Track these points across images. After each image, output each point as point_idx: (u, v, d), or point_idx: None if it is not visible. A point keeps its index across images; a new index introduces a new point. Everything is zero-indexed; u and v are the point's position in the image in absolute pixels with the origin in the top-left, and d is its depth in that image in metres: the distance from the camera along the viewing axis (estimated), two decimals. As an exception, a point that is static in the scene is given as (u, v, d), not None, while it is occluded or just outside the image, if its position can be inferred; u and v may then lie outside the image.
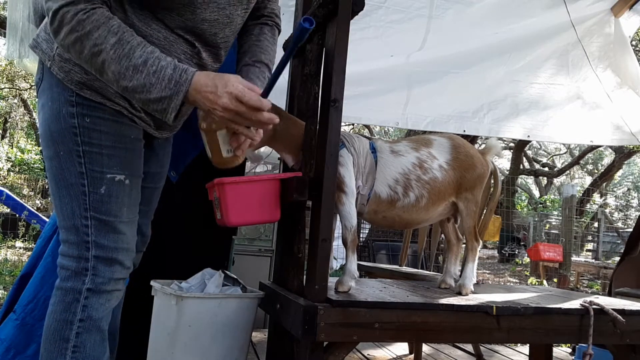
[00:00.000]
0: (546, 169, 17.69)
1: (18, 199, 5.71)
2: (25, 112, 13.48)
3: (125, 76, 1.17)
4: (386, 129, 16.40)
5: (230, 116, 1.19)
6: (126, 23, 1.26)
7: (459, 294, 1.77)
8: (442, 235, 2.20)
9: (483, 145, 2.01)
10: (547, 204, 17.47)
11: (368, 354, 2.94)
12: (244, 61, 1.53)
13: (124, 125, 1.37)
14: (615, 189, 19.20)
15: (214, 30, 1.40)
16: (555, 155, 19.66)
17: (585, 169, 20.02)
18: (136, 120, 1.39)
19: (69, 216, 1.34)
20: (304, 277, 1.56)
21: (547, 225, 12.24)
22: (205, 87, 1.17)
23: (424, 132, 4.40)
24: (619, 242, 11.09)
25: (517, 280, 8.78)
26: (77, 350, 1.32)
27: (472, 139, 5.22)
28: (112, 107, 1.34)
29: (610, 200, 17.80)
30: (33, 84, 11.41)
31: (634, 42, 6.26)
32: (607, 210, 14.09)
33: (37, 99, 1.46)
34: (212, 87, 1.17)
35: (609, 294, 3.18)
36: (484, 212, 2.31)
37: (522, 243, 12.34)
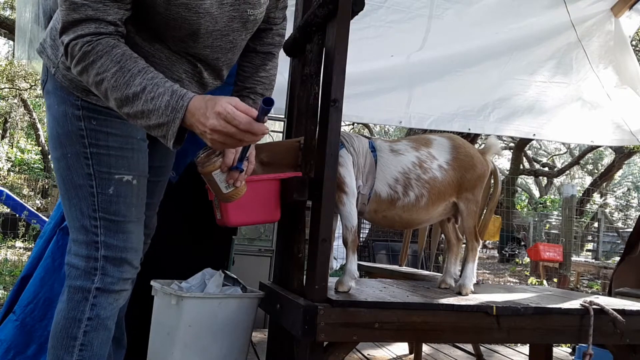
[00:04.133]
0: (546, 169, 17.67)
1: (18, 199, 5.71)
2: (25, 112, 13.47)
3: (126, 103, 1.17)
4: (386, 129, 16.40)
5: (220, 138, 1.13)
6: (129, 42, 1.27)
7: (459, 294, 1.76)
8: (442, 235, 2.20)
9: (483, 145, 2.01)
10: (547, 204, 17.46)
11: (368, 354, 2.94)
12: (240, 92, 1.54)
13: (130, 126, 1.37)
14: (615, 189, 19.19)
15: (216, 55, 1.41)
16: (555, 155, 19.65)
17: (585, 169, 20.01)
18: None
19: (77, 217, 1.35)
20: (304, 277, 1.56)
21: (547, 225, 12.24)
22: (198, 109, 1.14)
23: (425, 131, 4.40)
24: (619, 242, 11.08)
25: (517, 280, 8.78)
26: (84, 349, 1.33)
27: (472, 139, 5.22)
28: None
29: (610, 200, 17.79)
30: (33, 84, 11.42)
31: (634, 42, 6.26)
32: (607, 210, 14.09)
33: (41, 98, 1.47)
34: (203, 109, 1.14)
35: (609, 294, 3.18)
36: (484, 212, 2.30)
37: (522, 243, 12.33)
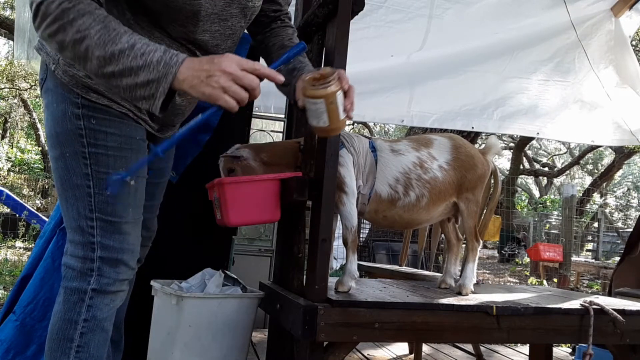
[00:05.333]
0: (546, 169, 17.68)
1: (18, 199, 5.71)
2: (25, 112, 13.47)
3: (111, 61, 1.11)
4: (386, 129, 16.40)
5: (226, 82, 1.11)
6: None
7: (459, 294, 1.76)
8: (442, 235, 2.20)
9: (483, 145, 2.01)
10: (547, 204, 17.47)
11: (368, 354, 2.94)
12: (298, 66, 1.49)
13: (130, 126, 1.37)
14: (615, 189, 19.19)
15: (216, 42, 1.40)
16: (555, 155, 19.66)
17: (585, 169, 20.01)
18: (141, 122, 1.40)
19: (74, 217, 1.34)
20: (304, 277, 1.56)
21: (547, 225, 12.24)
22: (200, 63, 1.12)
23: (426, 131, 4.39)
24: (619, 242, 11.08)
25: (517, 280, 8.78)
26: (81, 350, 1.32)
27: (473, 139, 5.22)
28: (118, 109, 1.34)
29: (610, 200, 17.79)
30: (33, 84, 11.40)
31: (634, 42, 6.27)
32: (607, 210, 14.09)
33: (40, 98, 1.45)
34: (207, 60, 1.13)
35: (609, 294, 3.18)
36: (484, 212, 2.30)
37: (522, 243, 12.35)
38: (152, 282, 1.73)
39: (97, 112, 1.33)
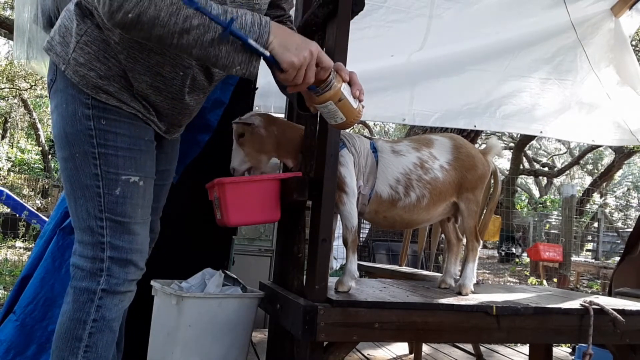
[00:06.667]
0: (546, 169, 17.68)
1: (18, 199, 5.72)
2: (25, 112, 13.47)
3: (209, 28, 1.13)
4: (386, 129, 16.40)
5: (310, 60, 1.19)
6: (129, 40, 1.28)
7: (459, 294, 1.76)
8: (442, 235, 2.20)
9: (483, 146, 2.01)
10: (547, 204, 17.47)
11: (368, 354, 2.94)
12: None
13: (139, 127, 1.37)
14: (615, 189, 19.19)
15: None
16: (555, 155, 19.66)
17: (585, 169, 20.01)
18: (150, 123, 1.41)
19: (83, 217, 1.35)
20: (304, 277, 1.56)
21: (547, 225, 12.24)
22: (289, 32, 1.20)
23: (426, 131, 4.39)
24: (618, 242, 11.09)
25: (517, 280, 8.78)
26: (89, 350, 1.32)
27: (473, 138, 5.22)
28: (127, 110, 1.35)
29: (610, 200, 17.79)
30: (33, 84, 11.40)
31: (634, 42, 6.27)
32: (607, 210, 14.09)
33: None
34: (296, 34, 1.22)
35: (609, 294, 3.18)
36: (484, 212, 2.31)
37: (518, 242, 12.39)
38: (152, 282, 1.73)
39: (107, 113, 1.33)
